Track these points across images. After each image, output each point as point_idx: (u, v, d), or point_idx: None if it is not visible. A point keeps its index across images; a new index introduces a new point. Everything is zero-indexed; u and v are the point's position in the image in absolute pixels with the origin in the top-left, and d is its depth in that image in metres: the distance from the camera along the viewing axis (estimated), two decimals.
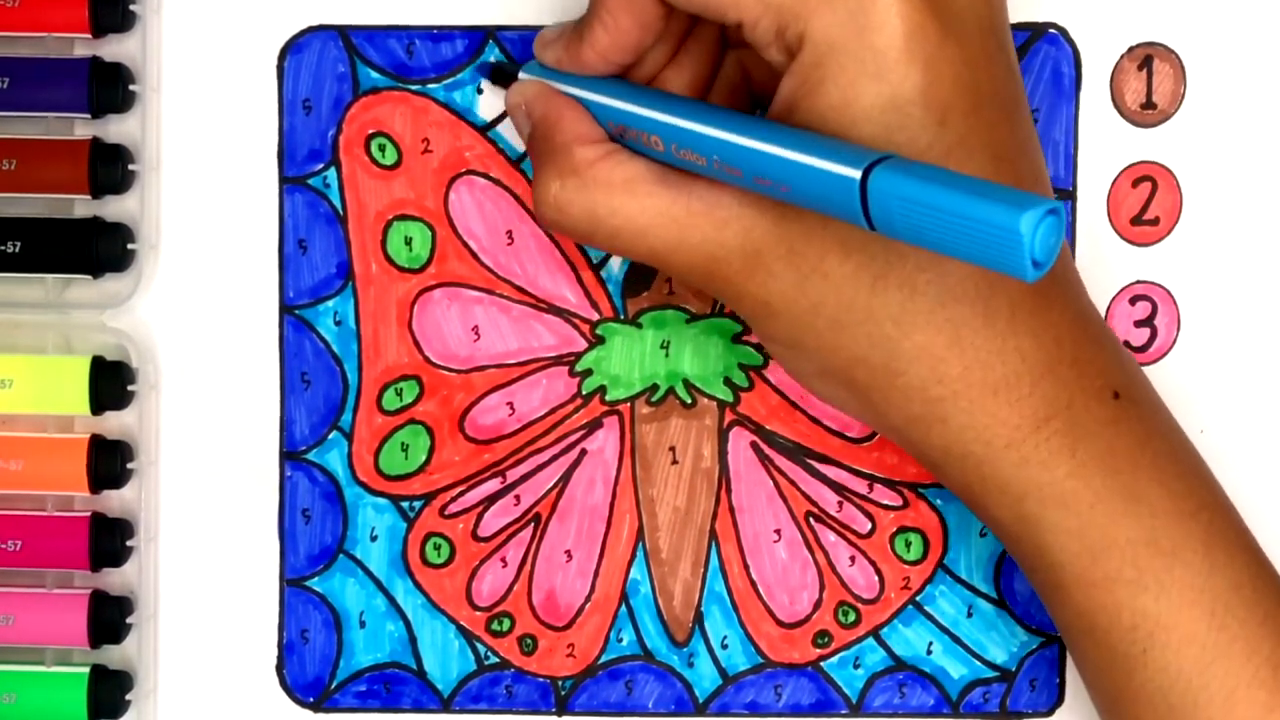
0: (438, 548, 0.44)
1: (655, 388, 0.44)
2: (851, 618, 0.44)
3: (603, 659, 0.44)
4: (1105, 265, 0.43)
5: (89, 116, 0.42)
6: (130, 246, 0.43)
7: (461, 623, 0.44)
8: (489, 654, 0.44)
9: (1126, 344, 0.43)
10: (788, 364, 0.39)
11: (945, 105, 0.35)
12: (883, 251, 0.36)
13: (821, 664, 0.44)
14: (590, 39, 0.38)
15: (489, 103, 0.43)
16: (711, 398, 0.43)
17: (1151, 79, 0.43)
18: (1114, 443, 0.37)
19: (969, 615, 0.44)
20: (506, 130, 0.43)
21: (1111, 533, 0.37)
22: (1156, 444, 0.38)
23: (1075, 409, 0.36)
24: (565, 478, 0.44)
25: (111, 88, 0.42)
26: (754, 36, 0.36)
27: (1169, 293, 0.43)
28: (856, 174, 0.32)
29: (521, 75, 0.41)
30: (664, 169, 0.37)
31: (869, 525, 0.44)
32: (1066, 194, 0.43)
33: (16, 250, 0.42)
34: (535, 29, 0.43)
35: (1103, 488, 0.37)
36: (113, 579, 0.44)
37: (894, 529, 0.43)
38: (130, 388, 0.43)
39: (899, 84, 0.34)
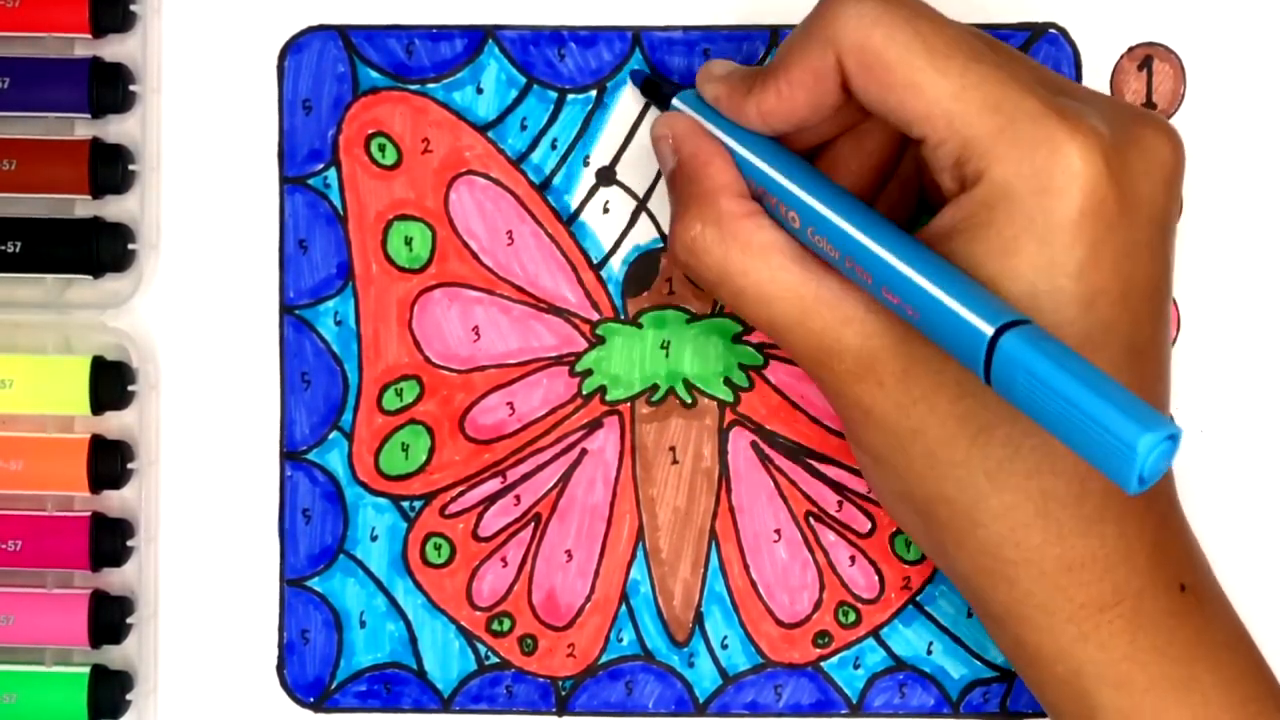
0: (438, 548, 0.44)
1: (655, 388, 0.44)
2: (851, 618, 0.44)
3: (603, 659, 0.44)
4: None
5: (89, 116, 0.42)
6: (130, 246, 0.43)
7: (462, 623, 0.44)
8: (489, 654, 0.44)
9: None
10: (869, 475, 0.39)
11: (1097, 289, 0.34)
12: (996, 403, 0.35)
13: (821, 664, 0.44)
14: (759, 97, 0.37)
15: (489, 102, 0.43)
16: (712, 398, 0.43)
17: (1151, 79, 0.43)
18: (1174, 633, 0.36)
19: (969, 615, 0.44)
20: (506, 130, 0.43)
21: (1163, 717, 0.36)
22: (1215, 634, 0.37)
23: (1143, 598, 0.36)
24: (565, 478, 0.44)
25: (111, 88, 0.42)
26: (933, 156, 0.35)
27: None
28: (989, 330, 0.32)
29: (675, 103, 0.40)
30: (801, 246, 0.37)
31: (869, 525, 0.44)
32: None
33: (16, 250, 0.42)
34: (535, 29, 0.43)
35: (1158, 674, 0.36)
36: (113, 579, 0.44)
37: (894, 529, 0.43)
38: (130, 388, 0.43)
39: (1060, 255, 0.34)
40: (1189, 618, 0.37)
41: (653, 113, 0.43)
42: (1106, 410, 0.30)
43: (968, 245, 0.35)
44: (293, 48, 0.43)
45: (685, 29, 0.43)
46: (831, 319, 0.36)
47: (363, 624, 0.44)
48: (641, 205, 0.43)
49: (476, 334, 0.43)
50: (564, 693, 0.44)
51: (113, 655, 0.44)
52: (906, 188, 0.40)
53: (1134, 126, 0.35)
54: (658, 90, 0.42)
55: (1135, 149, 0.35)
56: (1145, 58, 0.43)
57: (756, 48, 0.43)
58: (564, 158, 0.43)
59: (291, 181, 0.43)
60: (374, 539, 0.44)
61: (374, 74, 0.43)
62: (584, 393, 0.44)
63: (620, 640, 0.44)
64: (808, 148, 0.39)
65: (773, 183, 0.37)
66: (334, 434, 0.44)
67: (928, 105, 0.34)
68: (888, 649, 0.44)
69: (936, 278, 0.34)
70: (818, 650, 0.44)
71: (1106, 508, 0.36)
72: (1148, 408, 0.30)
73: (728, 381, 0.43)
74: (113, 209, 0.43)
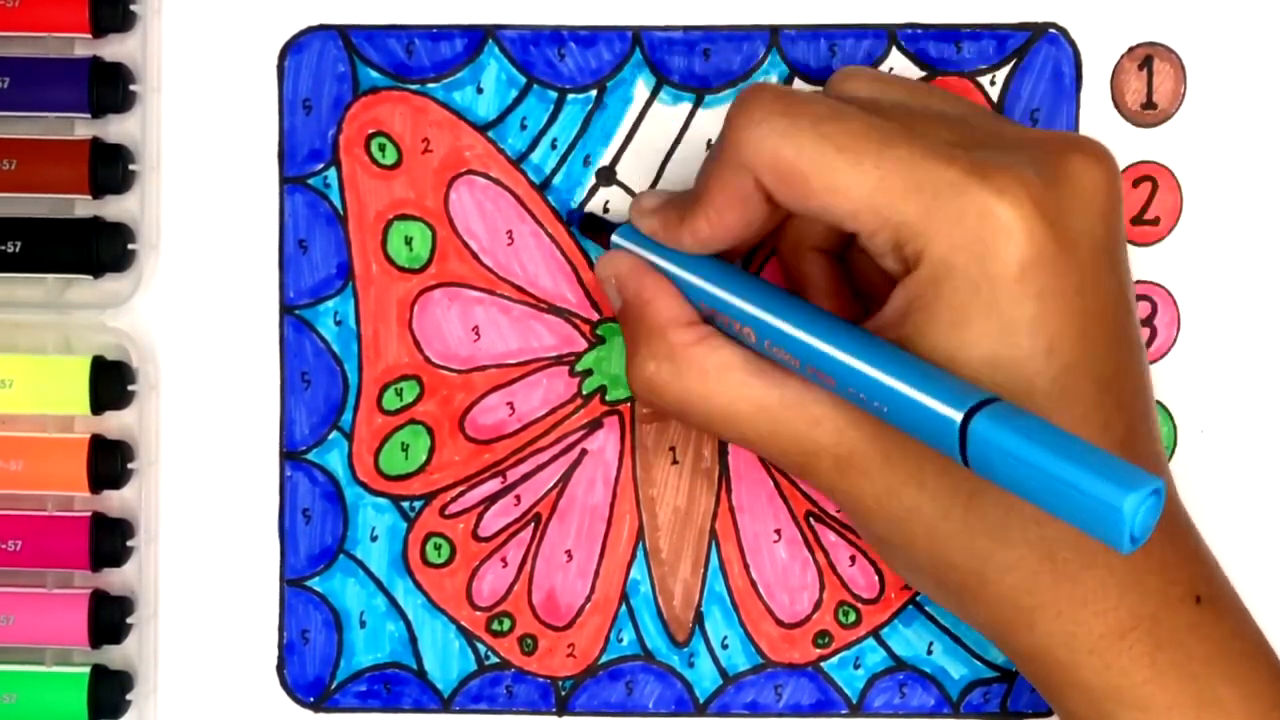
0: (438, 548, 0.44)
1: None
2: (852, 618, 0.44)
3: (603, 659, 0.44)
4: None
5: (89, 116, 0.42)
6: (130, 246, 0.43)
7: (462, 623, 0.44)
8: (489, 654, 0.44)
9: None
10: (879, 553, 0.40)
11: (1054, 335, 0.35)
12: None
13: (822, 664, 0.44)
14: (691, 226, 0.38)
15: (489, 102, 0.43)
16: None
17: (1152, 79, 0.43)
18: (1193, 648, 0.36)
19: None
20: (506, 130, 0.43)
21: None
22: (1234, 645, 0.37)
23: (1159, 618, 0.36)
24: (565, 478, 0.44)
25: (111, 88, 0.42)
26: (870, 245, 0.36)
27: (1169, 293, 0.43)
28: (957, 416, 0.32)
29: (615, 239, 0.40)
30: (758, 357, 0.37)
31: None
32: None
33: (16, 250, 0.42)
34: (535, 29, 0.43)
35: (1179, 692, 0.36)
36: (113, 579, 0.44)
37: None
38: (130, 388, 0.43)
39: (1011, 313, 0.34)
40: (1208, 630, 0.37)
41: (654, 112, 0.43)
42: (1086, 478, 0.30)
43: (921, 326, 0.35)
44: (293, 48, 0.43)
45: (685, 29, 0.43)
46: (802, 424, 0.37)
47: (363, 624, 0.44)
48: None
49: (476, 334, 0.43)
50: (564, 693, 0.44)
51: (113, 655, 0.44)
52: (836, 278, 0.40)
53: (1061, 161, 0.36)
54: (599, 225, 0.42)
55: (1066, 185, 0.35)
56: (1145, 58, 0.43)
57: (757, 48, 0.43)
58: (564, 158, 0.43)
59: (291, 181, 0.43)
60: (374, 539, 0.44)
61: (374, 74, 0.43)
62: (584, 393, 0.44)
63: (620, 640, 0.44)
64: (751, 247, 0.40)
65: (721, 302, 0.38)
66: (334, 434, 0.44)
67: (852, 203, 0.35)
68: (888, 649, 0.44)
69: (898, 371, 0.34)
70: (818, 650, 0.44)
71: None
72: (1128, 466, 0.30)
73: None
74: (113, 209, 0.43)
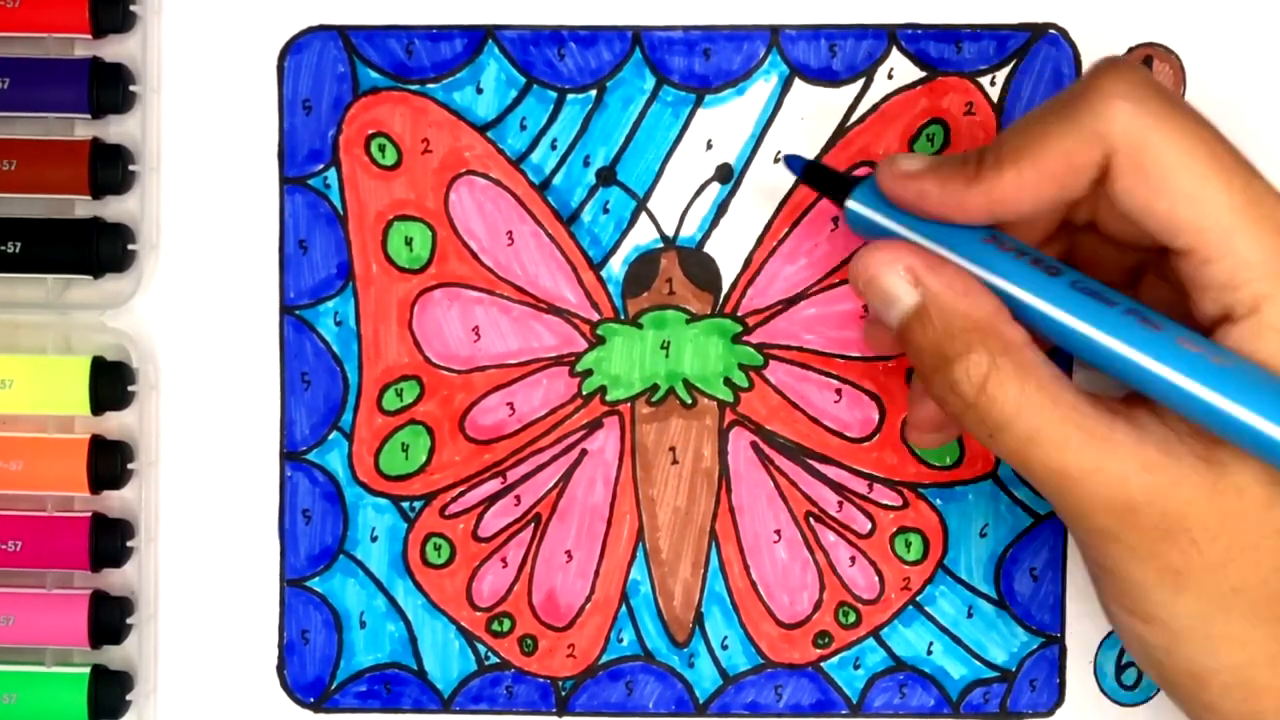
0: (438, 548, 0.44)
1: (655, 388, 0.44)
2: (852, 618, 0.44)
3: (603, 659, 0.44)
4: None
5: (89, 117, 0.42)
6: (130, 247, 0.43)
7: (462, 623, 0.44)
8: (489, 654, 0.44)
9: None
10: (1147, 647, 0.34)
11: None
12: None
13: (822, 664, 0.44)
14: (990, 184, 0.33)
15: (489, 102, 0.43)
16: (711, 398, 0.43)
17: None
18: None
19: (969, 616, 0.44)
20: (506, 130, 0.43)
21: None
22: None
23: None
24: (565, 478, 0.44)
25: (111, 88, 0.42)
26: (1195, 273, 0.33)
27: None
28: None
29: (852, 205, 0.36)
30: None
31: (869, 525, 0.44)
32: None
33: (16, 250, 0.42)
34: (535, 29, 0.43)
35: None
36: (113, 579, 0.44)
37: (894, 529, 0.43)
38: (130, 388, 0.43)
39: None
40: None
41: (654, 112, 0.43)
42: None
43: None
44: (293, 48, 0.43)
45: (685, 29, 0.43)
46: (1133, 463, 0.32)
47: (363, 624, 0.44)
48: (641, 205, 0.43)
49: (476, 334, 0.43)
50: (564, 693, 0.44)
51: (113, 655, 0.44)
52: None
53: None
54: (828, 180, 0.38)
55: None
56: (1145, 58, 0.43)
57: (756, 48, 0.43)
58: (564, 158, 0.43)
59: (291, 182, 0.43)
60: (374, 539, 0.44)
61: (374, 74, 0.43)
62: (584, 393, 0.44)
63: (620, 640, 0.44)
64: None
65: (1029, 309, 0.33)
66: (334, 434, 0.44)
67: (1206, 220, 0.32)
68: (888, 649, 0.44)
69: (1251, 403, 0.31)
70: (818, 650, 0.44)
71: None
72: None
73: (728, 382, 0.43)
74: (113, 209, 0.43)
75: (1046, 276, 0.34)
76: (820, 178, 0.39)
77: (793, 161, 0.40)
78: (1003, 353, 0.33)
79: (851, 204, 0.37)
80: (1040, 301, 0.33)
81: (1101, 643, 0.43)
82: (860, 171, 0.42)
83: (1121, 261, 0.37)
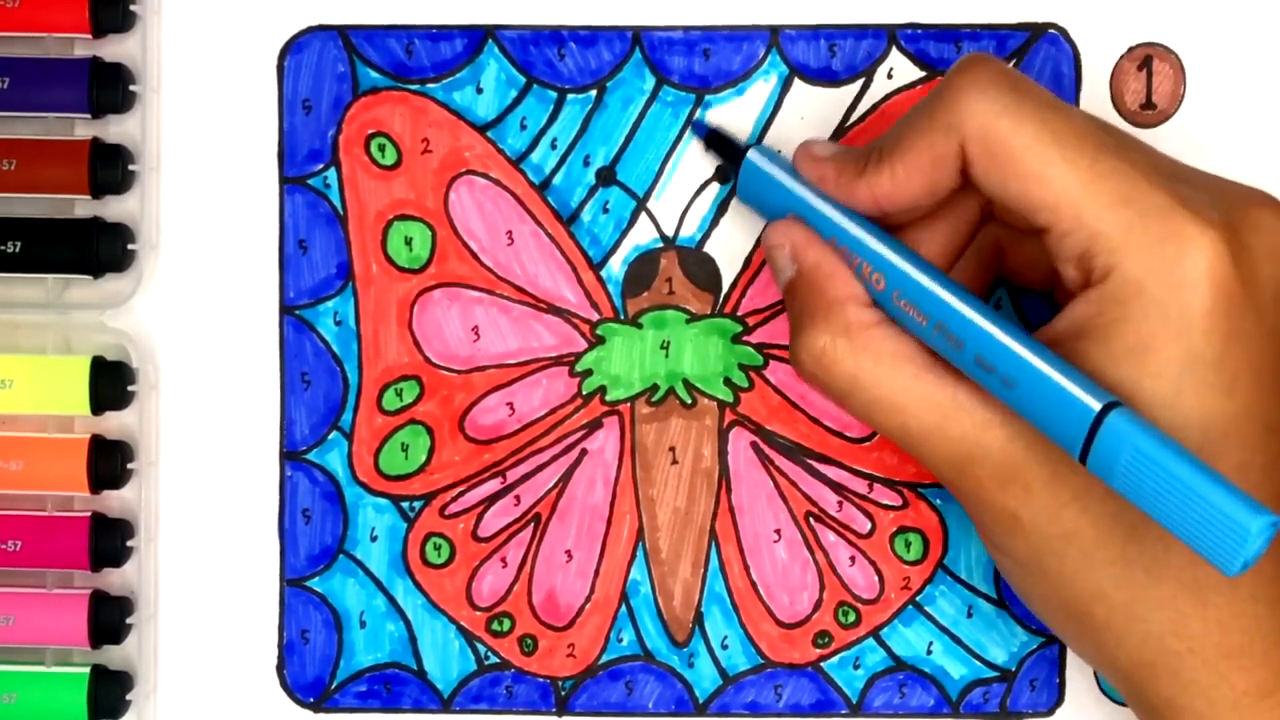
0: (438, 548, 0.44)
1: (655, 388, 0.44)
2: (851, 618, 0.44)
3: (603, 659, 0.44)
4: None
5: (89, 116, 0.42)
6: (130, 246, 0.43)
7: (461, 623, 0.44)
8: (489, 654, 0.44)
9: None
10: (1016, 581, 0.39)
11: (1236, 374, 0.34)
12: None
13: (821, 664, 0.44)
14: (872, 179, 0.37)
15: (489, 102, 0.43)
16: (711, 398, 0.43)
17: (1151, 79, 0.43)
18: None
19: (969, 615, 0.44)
20: (506, 130, 0.43)
21: None
22: None
23: None
24: (565, 478, 0.44)
25: (111, 88, 0.42)
26: (1057, 246, 0.35)
27: None
28: (1096, 406, 0.32)
29: (751, 156, 0.40)
30: (932, 353, 0.37)
31: (869, 525, 0.44)
32: None
33: (16, 250, 0.42)
34: (535, 29, 0.43)
35: None
36: (113, 579, 0.44)
37: (894, 529, 0.43)
38: (130, 388, 0.43)
39: (1199, 346, 0.34)
40: None
41: (653, 113, 0.43)
42: (1219, 492, 0.30)
43: (1101, 343, 0.34)
44: (293, 48, 0.43)
45: (685, 29, 0.43)
46: (970, 425, 0.36)
47: (363, 624, 0.44)
48: (641, 205, 0.43)
49: (476, 334, 0.43)
50: (564, 693, 0.44)
51: (113, 655, 0.44)
52: (985, 268, 0.40)
53: (1247, 209, 0.35)
54: (725, 146, 0.41)
55: (1253, 234, 0.35)
56: (1145, 58, 0.43)
57: (756, 48, 0.43)
58: (564, 158, 0.43)
59: (291, 181, 0.43)
60: (374, 539, 0.44)
61: (374, 74, 0.43)
62: (584, 393, 0.44)
63: (620, 640, 0.44)
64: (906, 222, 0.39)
65: (899, 273, 0.37)
66: (334, 434, 0.44)
67: (1055, 196, 0.34)
68: (888, 649, 0.44)
69: (1042, 354, 0.34)
70: (818, 650, 0.44)
71: (1258, 587, 0.35)
72: (1251, 497, 0.30)
73: (728, 382, 0.43)
74: (113, 209, 0.43)
75: (903, 247, 0.37)
76: (720, 144, 0.42)
77: (698, 126, 0.42)
78: (842, 333, 0.37)
79: (752, 156, 0.40)
80: (859, 229, 0.37)
81: None
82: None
83: (1033, 250, 0.39)
